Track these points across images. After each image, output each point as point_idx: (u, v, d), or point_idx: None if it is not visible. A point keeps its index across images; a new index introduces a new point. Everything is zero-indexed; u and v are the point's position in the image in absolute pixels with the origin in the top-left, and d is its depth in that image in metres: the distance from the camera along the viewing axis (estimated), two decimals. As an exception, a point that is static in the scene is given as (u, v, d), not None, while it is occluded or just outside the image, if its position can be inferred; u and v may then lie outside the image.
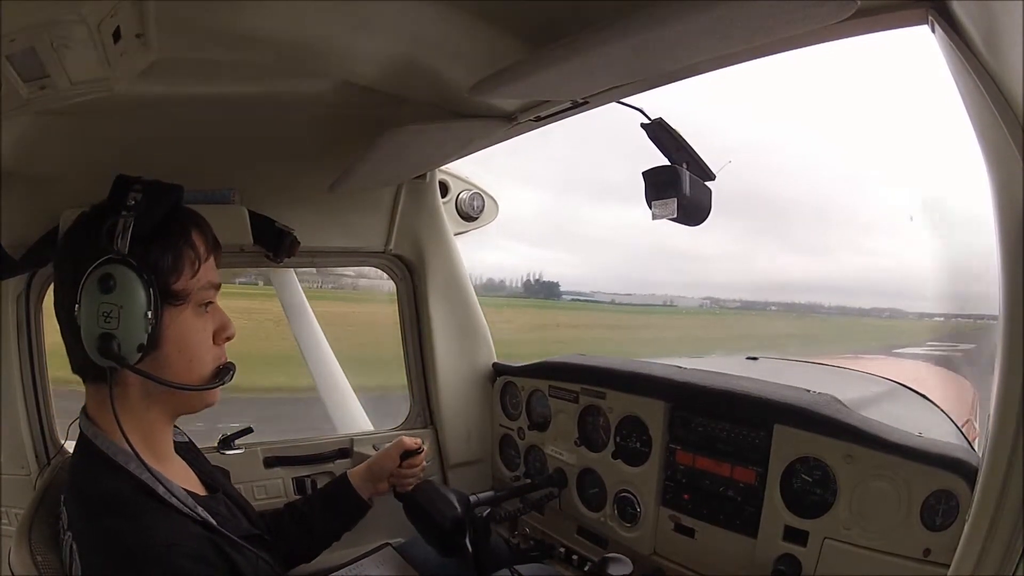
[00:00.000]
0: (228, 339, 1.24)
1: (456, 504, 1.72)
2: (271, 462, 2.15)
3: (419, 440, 1.81)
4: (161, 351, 1.12)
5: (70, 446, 1.86)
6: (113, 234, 1.07)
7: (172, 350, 1.14)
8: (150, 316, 1.08)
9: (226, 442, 2.10)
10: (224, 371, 1.22)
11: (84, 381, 1.18)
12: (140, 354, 1.09)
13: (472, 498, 1.77)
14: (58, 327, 1.16)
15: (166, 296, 1.12)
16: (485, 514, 1.75)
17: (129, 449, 1.11)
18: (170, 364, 1.14)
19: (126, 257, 1.07)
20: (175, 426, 1.29)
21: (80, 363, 1.14)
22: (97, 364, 1.09)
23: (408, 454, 1.77)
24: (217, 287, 1.22)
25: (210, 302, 1.21)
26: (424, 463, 1.81)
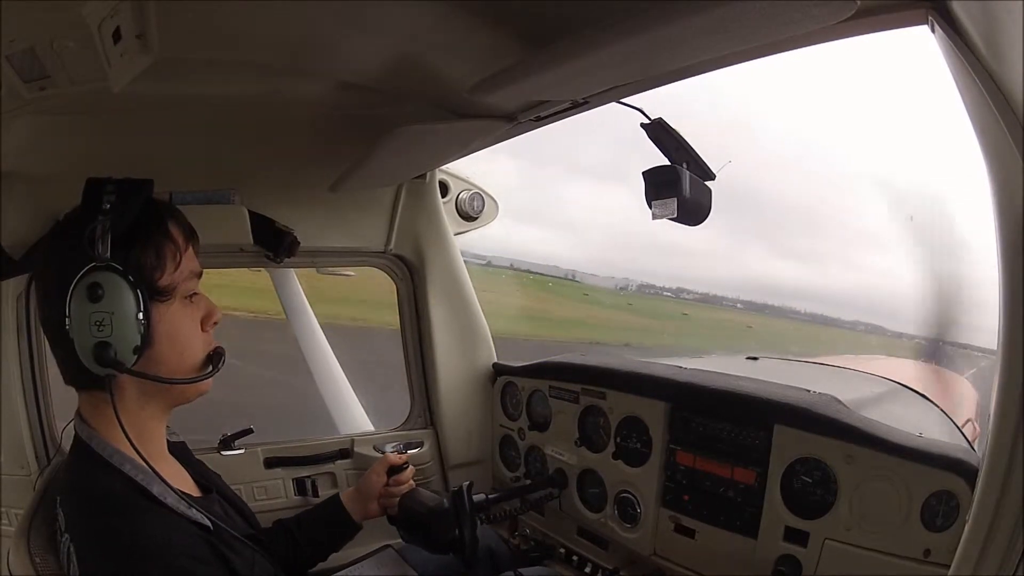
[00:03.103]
0: (215, 324, 1.25)
1: (439, 497, 1.74)
2: (271, 463, 2.15)
3: (405, 456, 1.83)
4: (154, 348, 1.13)
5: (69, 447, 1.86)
6: (93, 240, 1.06)
7: (164, 346, 1.14)
8: (141, 317, 1.09)
9: (226, 442, 2.10)
10: (215, 357, 1.23)
11: (77, 389, 1.18)
12: (136, 356, 1.09)
13: (466, 483, 1.77)
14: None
15: (153, 293, 1.12)
16: (476, 496, 1.76)
17: (123, 450, 1.12)
18: (163, 359, 1.15)
19: (110, 262, 1.07)
20: (167, 426, 1.30)
21: (72, 373, 1.14)
22: (91, 372, 1.08)
23: (394, 470, 1.78)
24: (199, 275, 1.23)
25: (194, 292, 1.21)
26: (412, 481, 1.81)
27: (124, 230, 1.09)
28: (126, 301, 1.07)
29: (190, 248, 1.20)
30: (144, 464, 1.12)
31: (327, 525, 1.72)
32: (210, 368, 1.22)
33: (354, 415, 2.98)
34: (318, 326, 3.11)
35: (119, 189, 1.11)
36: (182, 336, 1.18)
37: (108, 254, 1.07)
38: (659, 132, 1.54)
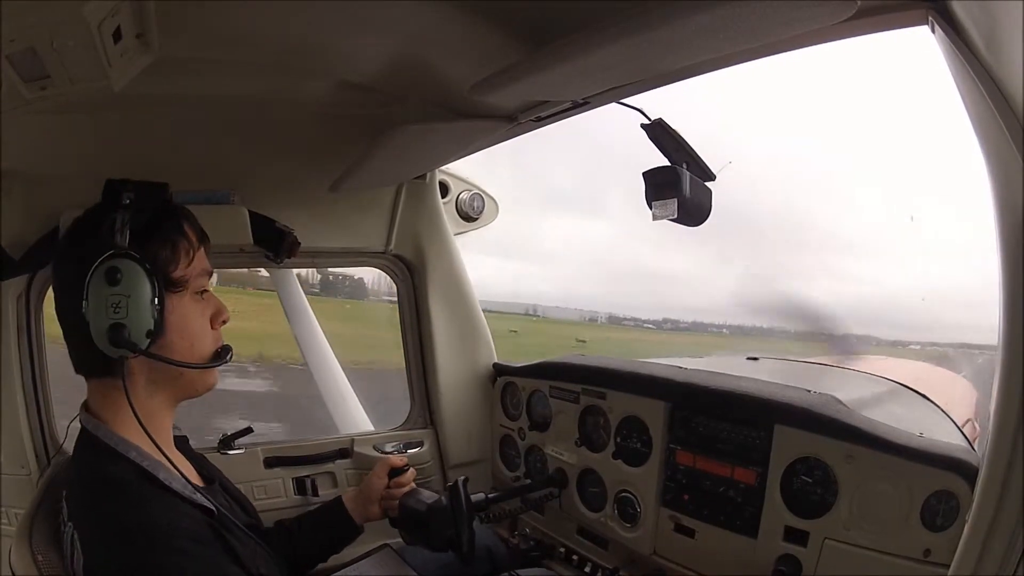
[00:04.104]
0: (224, 322, 1.30)
1: (438, 495, 1.74)
2: (271, 462, 2.15)
3: (405, 458, 1.85)
4: (165, 337, 1.17)
5: (70, 446, 1.86)
6: (113, 231, 1.12)
7: (175, 335, 1.19)
8: (156, 303, 1.14)
9: (226, 442, 2.10)
10: (223, 352, 1.29)
11: (87, 378, 1.22)
12: (149, 340, 1.14)
13: (461, 478, 1.78)
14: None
15: (167, 284, 1.18)
16: (475, 495, 1.77)
17: (130, 438, 1.16)
18: (174, 349, 1.20)
19: (128, 251, 1.12)
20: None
21: (85, 360, 1.19)
22: (103, 358, 1.13)
23: (395, 472, 1.79)
24: (210, 274, 1.29)
25: (205, 289, 1.27)
26: (413, 483, 1.82)
27: (143, 225, 1.15)
28: (142, 286, 1.13)
29: (202, 248, 1.27)
30: (149, 451, 1.16)
31: (328, 527, 1.72)
32: (219, 360, 1.28)
33: (354, 415, 2.98)
34: (318, 326, 3.12)
35: (137, 188, 1.17)
36: (192, 328, 1.23)
37: (127, 244, 1.13)
38: (659, 133, 1.54)
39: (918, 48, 1.05)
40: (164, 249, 1.19)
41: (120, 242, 1.12)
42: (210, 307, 1.28)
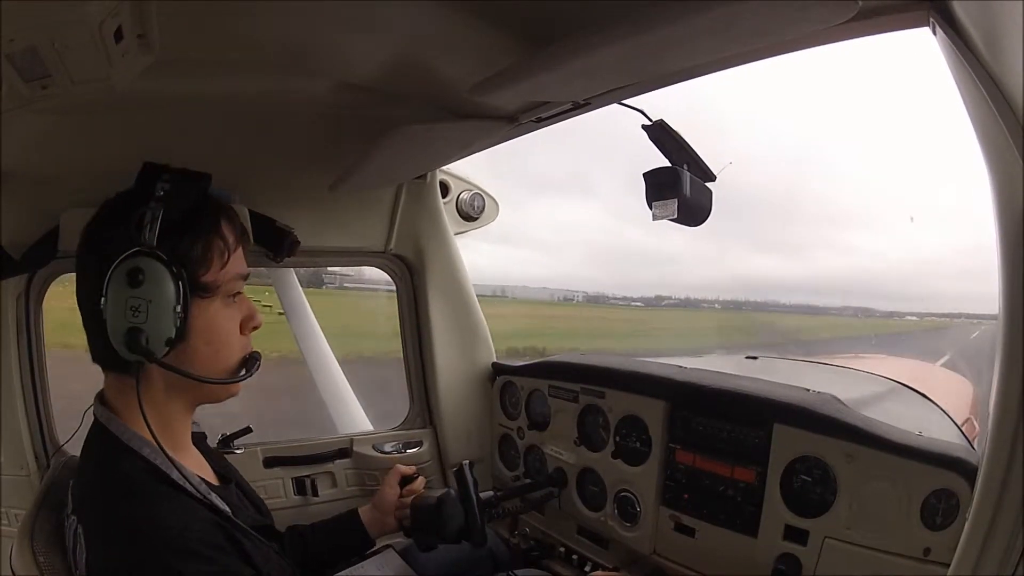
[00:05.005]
0: (255, 328, 1.23)
1: (446, 489, 1.75)
2: (271, 462, 2.16)
3: (414, 467, 1.86)
4: (188, 343, 1.11)
5: (70, 446, 1.86)
6: (141, 225, 1.05)
7: (199, 342, 1.13)
8: (179, 310, 1.07)
9: (225, 442, 2.10)
10: (250, 361, 1.21)
11: (104, 369, 1.17)
12: (168, 348, 1.08)
13: (466, 462, 1.78)
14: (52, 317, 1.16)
15: (195, 288, 1.10)
16: (484, 493, 1.78)
17: (143, 435, 1.10)
18: (197, 356, 1.13)
19: (155, 250, 1.05)
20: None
21: (101, 353, 1.12)
22: (120, 355, 1.07)
23: (406, 480, 1.81)
24: (245, 277, 1.21)
25: (238, 292, 1.20)
26: (423, 489, 1.83)
27: (175, 220, 1.08)
28: (166, 291, 1.06)
29: (239, 249, 1.19)
30: (164, 449, 1.10)
31: (341, 537, 1.72)
32: (243, 372, 1.20)
33: (354, 415, 2.98)
34: (318, 326, 3.11)
35: (175, 178, 1.10)
36: (219, 335, 1.16)
37: (155, 241, 1.05)
38: (660, 134, 1.55)
39: (919, 49, 1.05)
40: (195, 250, 1.10)
41: (148, 239, 1.04)
42: (241, 311, 1.20)
